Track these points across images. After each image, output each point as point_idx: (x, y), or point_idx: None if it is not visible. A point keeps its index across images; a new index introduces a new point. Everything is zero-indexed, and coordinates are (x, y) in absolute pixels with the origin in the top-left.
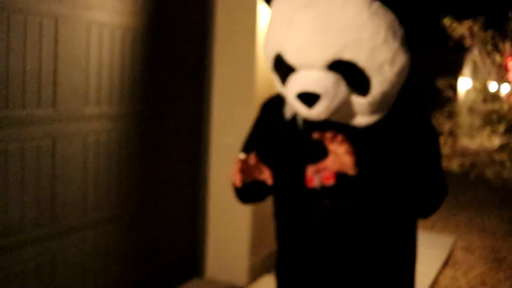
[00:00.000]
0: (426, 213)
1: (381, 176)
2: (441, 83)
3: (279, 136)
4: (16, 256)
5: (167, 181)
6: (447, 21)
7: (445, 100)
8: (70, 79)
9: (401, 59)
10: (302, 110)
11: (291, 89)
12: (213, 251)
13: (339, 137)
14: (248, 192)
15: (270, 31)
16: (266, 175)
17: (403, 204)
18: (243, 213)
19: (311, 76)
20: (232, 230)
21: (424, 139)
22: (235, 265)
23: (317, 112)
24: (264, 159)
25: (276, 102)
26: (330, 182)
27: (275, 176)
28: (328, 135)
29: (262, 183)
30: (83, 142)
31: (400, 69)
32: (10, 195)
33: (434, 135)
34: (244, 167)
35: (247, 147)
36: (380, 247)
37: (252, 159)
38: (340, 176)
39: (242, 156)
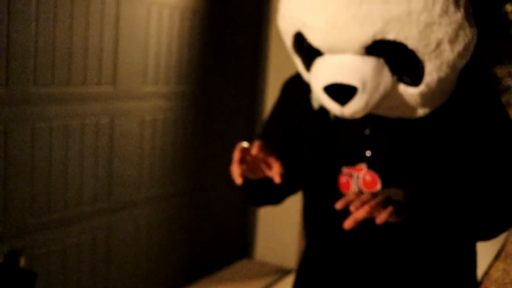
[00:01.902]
0: (491, 236)
1: (436, 192)
2: (499, 71)
3: (304, 127)
4: (74, 229)
5: (221, 161)
6: (508, 7)
7: (504, 89)
8: (129, 57)
9: (466, 35)
10: (332, 107)
11: (317, 80)
12: (263, 233)
13: (367, 207)
14: (256, 191)
15: (289, 1)
16: (274, 171)
17: (462, 227)
18: (295, 196)
19: (343, 63)
20: (283, 212)
21: (496, 136)
22: (284, 247)
23: (352, 110)
24: (282, 152)
25: (301, 83)
26: (375, 188)
27: (299, 174)
28: (354, 202)
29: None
30: (140, 120)
31: (464, 48)
32: (70, 170)
33: (508, 129)
34: (247, 159)
35: (265, 137)
36: (427, 263)
37: (255, 149)
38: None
39: (243, 144)
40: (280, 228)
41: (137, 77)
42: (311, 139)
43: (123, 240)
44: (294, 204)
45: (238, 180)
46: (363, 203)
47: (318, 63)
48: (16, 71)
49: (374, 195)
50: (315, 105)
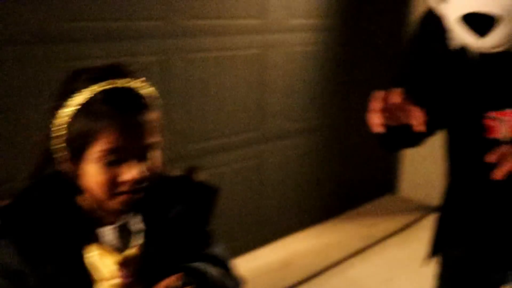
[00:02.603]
0: None
1: None
2: None
3: (442, 69)
4: (227, 156)
5: (367, 96)
6: None
7: None
8: None
9: None
10: (469, 39)
11: (455, 9)
12: (408, 169)
13: None
14: (394, 138)
15: None
16: (417, 119)
17: None
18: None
19: None
20: (428, 149)
21: None
22: (429, 184)
23: (492, 42)
24: (421, 95)
25: (437, 22)
26: None
27: (440, 118)
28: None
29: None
30: (290, 52)
31: None
32: (224, 101)
33: None
34: (386, 107)
35: (402, 79)
36: None
37: (396, 97)
38: None
39: (380, 93)
40: (425, 165)
41: (285, 10)
42: (448, 78)
43: (273, 169)
44: (440, 141)
45: (379, 128)
46: None
47: None
48: (174, 5)
49: None
50: (453, 45)
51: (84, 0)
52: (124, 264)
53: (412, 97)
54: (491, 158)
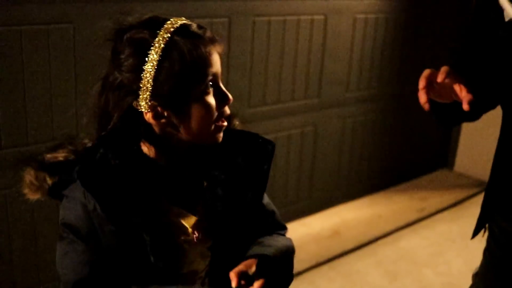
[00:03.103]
0: None
1: None
2: None
3: (496, 41)
4: (285, 122)
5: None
6: None
7: None
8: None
9: None
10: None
11: None
12: (464, 145)
13: None
14: (448, 114)
15: None
16: (463, 98)
17: None
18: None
19: None
20: (485, 125)
21: None
22: (484, 161)
23: None
24: (477, 70)
25: None
26: None
27: (497, 91)
28: None
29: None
30: (353, 19)
31: None
32: (284, 67)
33: None
34: (433, 85)
35: (462, 51)
36: None
37: (441, 76)
38: None
39: (427, 72)
40: (482, 141)
41: None
42: (504, 55)
43: (329, 137)
44: (498, 117)
45: (426, 106)
46: None
47: None
48: None
49: None
50: (506, 18)
51: None
52: (196, 226)
53: (467, 72)
54: None
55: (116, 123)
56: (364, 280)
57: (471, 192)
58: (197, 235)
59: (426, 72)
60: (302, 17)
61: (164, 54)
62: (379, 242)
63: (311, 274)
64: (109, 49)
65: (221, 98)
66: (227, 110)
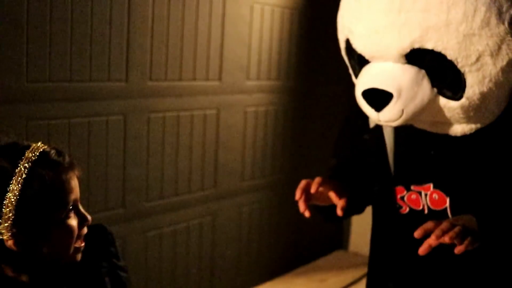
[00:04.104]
0: None
1: (504, 215)
2: None
3: (364, 146)
4: (183, 214)
5: (320, 153)
6: None
7: None
8: (234, 55)
9: (511, 50)
10: (370, 113)
11: (358, 85)
12: (357, 226)
13: (450, 234)
14: (330, 213)
15: (341, 8)
16: (336, 204)
17: None
18: None
19: (383, 70)
20: None
21: None
22: None
23: (387, 117)
24: (351, 172)
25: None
26: (442, 206)
27: (368, 195)
28: (435, 231)
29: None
30: (243, 112)
31: (508, 63)
32: (180, 160)
33: None
34: (311, 193)
35: (337, 152)
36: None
37: (314, 187)
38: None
39: (303, 183)
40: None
41: (241, 72)
42: (368, 156)
43: (227, 226)
44: None
45: (306, 214)
46: (443, 233)
47: (363, 70)
48: (134, 67)
49: (452, 225)
50: (372, 123)
51: (47, 61)
52: None
53: (342, 174)
54: (417, 234)
55: None
56: None
57: (366, 269)
58: None
59: (302, 183)
60: (195, 112)
61: (26, 184)
62: None
63: None
64: None
65: (81, 220)
66: (85, 230)
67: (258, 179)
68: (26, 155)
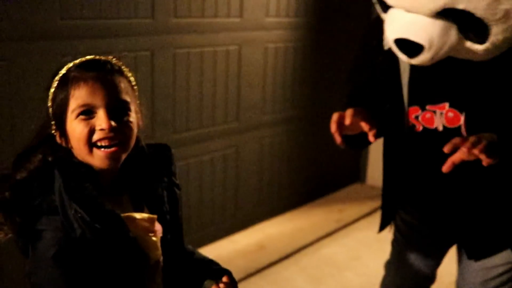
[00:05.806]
0: None
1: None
2: None
3: (379, 68)
4: (208, 146)
5: (335, 90)
6: None
7: None
8: None
9: None
10: (401, 56)
11: (390, 30)
12: (374, 160)
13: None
14: (357, 141)
15: None
16: (368, 132)
17: None
18: None
19: (415, 21)
20: None
21: None
22: None
23: (419, 62)
24: (369, 96)
25: (380, 23)
26: (457, 124)
27: (378, 115)
28: (463, 147)
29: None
30: (264, 48)
31: None
32: (205, 92)
33: None
34: (344, 124)
35: (353, 76)
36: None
37: (348, 119)
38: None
39: (336, 116)
40: None
41: (261, 9)
42: (382, 77)
43: (249, 158)
44: None
45: (342, 145)
46: (472, 147)
47: (394, 13)
48: (160, 4)
49: (479, 138)
50: (386, 46)
51: (77, 0)
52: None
53: (364, 101)
54: (447, 148)
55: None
56: (291, 286)
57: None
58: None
59: (335, 116)
60: (219, 48)
61: (57, 83)
62: (302, 252)
63: (241, 285)
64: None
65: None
66: (101, 134)
67: (279, 113)
68: (69, 64)
